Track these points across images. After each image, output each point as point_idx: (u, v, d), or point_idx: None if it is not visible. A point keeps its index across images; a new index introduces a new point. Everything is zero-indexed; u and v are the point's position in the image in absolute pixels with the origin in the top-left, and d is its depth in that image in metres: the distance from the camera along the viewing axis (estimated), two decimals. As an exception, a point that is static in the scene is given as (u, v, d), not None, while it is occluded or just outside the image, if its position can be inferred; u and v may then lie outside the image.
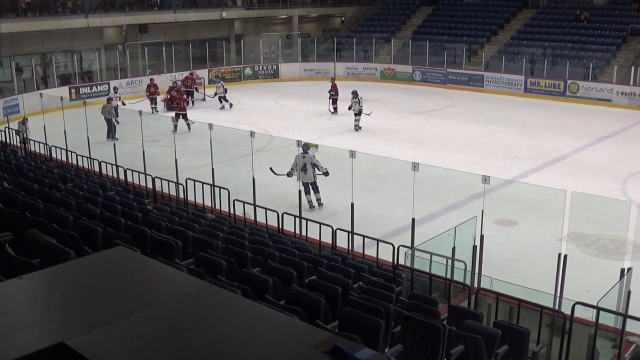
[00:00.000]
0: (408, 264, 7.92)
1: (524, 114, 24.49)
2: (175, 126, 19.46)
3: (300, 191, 11.70)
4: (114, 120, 20.02)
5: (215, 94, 25.56)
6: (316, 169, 13.02)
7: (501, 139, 20.36)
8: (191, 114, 22.16)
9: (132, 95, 27.66)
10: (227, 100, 25.42)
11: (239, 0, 37.29)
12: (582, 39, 30.21)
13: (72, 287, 2.73)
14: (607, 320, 6.77)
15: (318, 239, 10.12)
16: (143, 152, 14.65)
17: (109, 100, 20.62)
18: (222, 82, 25.87)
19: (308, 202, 12.96)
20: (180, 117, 20.65)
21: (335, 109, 24.04)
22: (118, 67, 28.94)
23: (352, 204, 10.91)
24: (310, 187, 13.07)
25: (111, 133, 19.86)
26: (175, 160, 14.04)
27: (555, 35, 30.97)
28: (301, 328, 2.53)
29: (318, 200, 13.23)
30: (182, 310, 2.52)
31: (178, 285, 2.81)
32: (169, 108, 23.34)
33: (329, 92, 24.37)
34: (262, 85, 30.98)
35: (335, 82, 24.82)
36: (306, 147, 12.98)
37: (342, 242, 10.06)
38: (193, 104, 25.63)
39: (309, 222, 10.36)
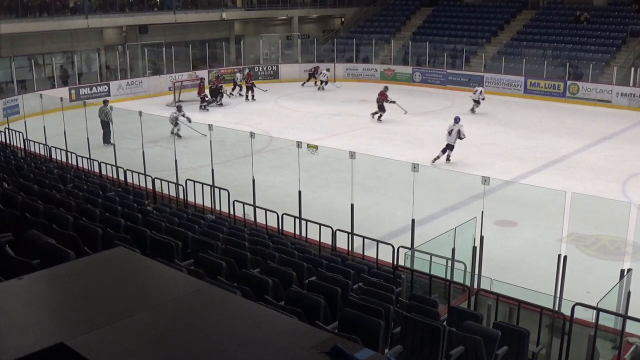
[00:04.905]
0: (408, 265, 7.92)
1: (524, 115, 24.50)
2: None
3: (300, 192, 11.72)
4: (111, 123, 18.71)
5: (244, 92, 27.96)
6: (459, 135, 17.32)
7: (501, 139, 20.37)
8: (191, 114, 22.15)
9: (133, 96, 27.70)
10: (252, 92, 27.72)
11: (238, 1, 37.30)
12: (582, 40, 30.23)
13: (72, 287, 2.73)
14: (607, 321, 6.77)
15: (318, 239, 10.12)
16: (143, 153, 14.65)
17: (105, 102, 20.03)
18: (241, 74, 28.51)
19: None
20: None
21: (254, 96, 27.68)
22: (118, 67, 28.94)
23: (352, 205, 10.91)
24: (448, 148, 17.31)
25: (107, 137, 18.72)
26: (175, 161, 14.04)
27: (555, 37, 30.99)
28: (301, 329, 2.54)
29: (448, 156, 17.38)
30: (182, 311, 2.52)
31: (178, 286, 2.81)
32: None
33: (248, 82, 27.83)
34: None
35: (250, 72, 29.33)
36: (457, 119, 17.69)
37: (342, 243, 10.07)
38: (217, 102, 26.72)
39: (308, 222, 10.36)
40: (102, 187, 11.15)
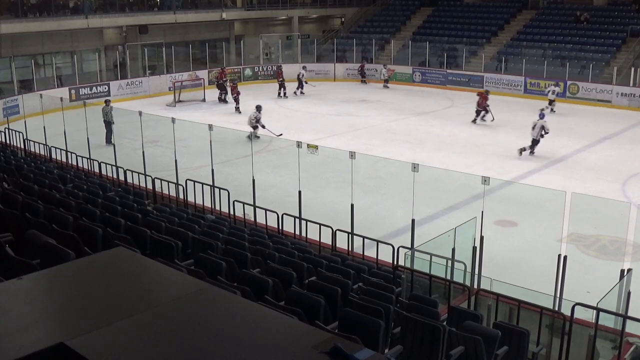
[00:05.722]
0: (408, 265, 7.92)
1: (524, 115, 24.43)
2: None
3: (300, 192, 11.72)
4: (112, 123, 19.14)
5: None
6: (543, 130, 17.94)
7: (501, 139, 20.36)
8: (191, 114, 22.21)
9: (133, 96, 27.70)
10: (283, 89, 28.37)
11: (239, 1, 37.31)
12: (582, 40, 30.23)
13: (72, 287, 2.73)
14: (607, 321, 6.77)
15: (318, 239, 10.12)
16: (143, 152, 14.65)
17: (107, 102, 20.24)
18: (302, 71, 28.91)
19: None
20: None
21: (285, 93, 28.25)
22: (118, 67, 28.95)
23: (352, 205, 10.91)
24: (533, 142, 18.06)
25: (108, 136, 19.00)
26: (175, 161, 14.04)
27: (555, 37, 30.99)
28: (301, 329, 2.53)
29: (532, 151, 18.06)
30: (182, 311, 2.52)
31: (178, 286, 2.81)
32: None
33: (280, 79, 28.37)
34: (262, 86, 30.98)
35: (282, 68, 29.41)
36: (542, 114, 18.67)
37: (342, 243, 10.07)
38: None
39: (308, 222, 10.36)
40: (102, 187, 11.15)
